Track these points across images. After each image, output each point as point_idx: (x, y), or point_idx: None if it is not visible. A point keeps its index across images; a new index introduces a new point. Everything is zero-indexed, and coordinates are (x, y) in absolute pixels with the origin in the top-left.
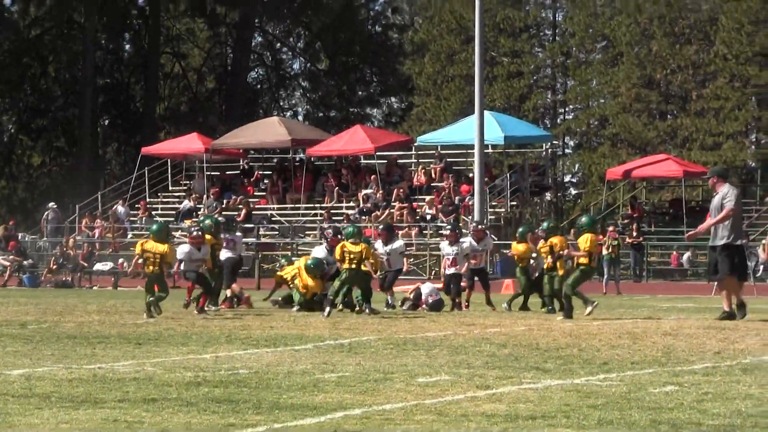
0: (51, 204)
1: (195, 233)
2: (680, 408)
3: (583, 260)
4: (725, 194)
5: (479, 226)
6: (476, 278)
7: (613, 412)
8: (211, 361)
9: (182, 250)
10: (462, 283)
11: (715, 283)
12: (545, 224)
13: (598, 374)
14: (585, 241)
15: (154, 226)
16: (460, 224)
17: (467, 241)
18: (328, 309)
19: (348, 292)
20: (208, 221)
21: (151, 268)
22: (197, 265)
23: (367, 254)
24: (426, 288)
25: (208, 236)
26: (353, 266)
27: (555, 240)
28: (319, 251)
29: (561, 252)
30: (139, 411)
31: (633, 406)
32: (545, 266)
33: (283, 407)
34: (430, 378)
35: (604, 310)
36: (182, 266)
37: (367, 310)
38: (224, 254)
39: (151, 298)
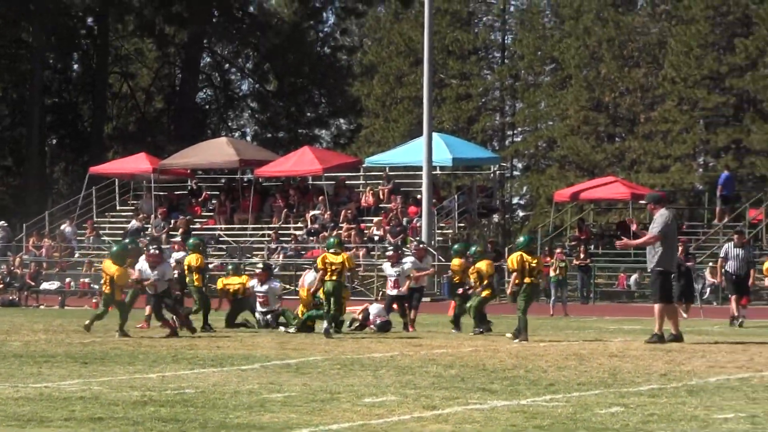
0: (1, 222)
1: (152, 251)
2: (626, 429)
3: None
4: (654, 220)
5: (420, 245)
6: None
7: None
8: (158, 381)
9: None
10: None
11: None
12: (473, 249)
13: (545, 395)
14: (512, 261)
15: (114, 248)
16: (407, 245)
17: (408, 261)
18: (326, 325)
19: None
20: (192, 240)
21: (106, 288)
22: (151, 284)
23: (349, 264)
24: (374, 308)
25: (196, 255)
26: (335, 278)
27: (481, 265)
28: (310, 276)
29: (469, 287)
30: (85, 430)
31: (579, 427)
32: (472, 290)
33: (230, 427)
34: (376, 398)
35: (551, 331)
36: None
37: (331, 332)
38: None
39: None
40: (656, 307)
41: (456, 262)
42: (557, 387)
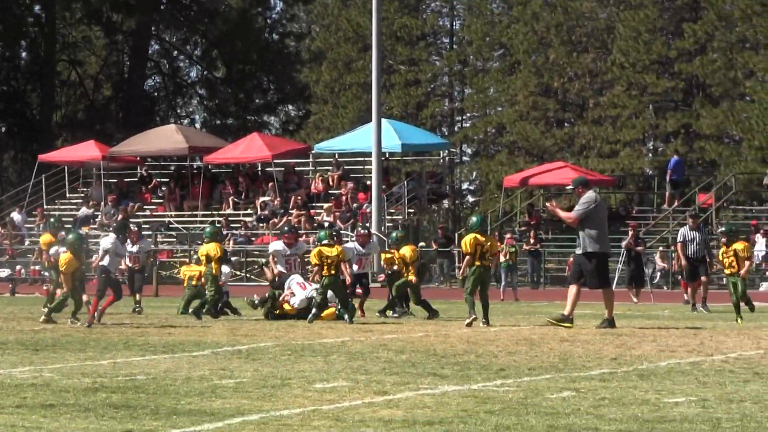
0: None
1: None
2: (577, 413)
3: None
4: (579, 202)
5: (362, 230)
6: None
7: (510, 417)
8: (109, 367)
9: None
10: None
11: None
12: (394, 235)
13: (495, 380)
14: (465, 243)
15: (70, 236)
16: (343, 230)
17: (351, 246)
18: (314, 312)
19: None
20: (208, 229)
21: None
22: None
23: (342, 256)
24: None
25: (215, 244)
26: (333, 272)
27: (405, 251)
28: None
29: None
30: (36, 417)
31: (530, 412)
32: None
33: (181, 413)
34: (327, 384)
35: (501, 316)
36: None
37: (347, 320)
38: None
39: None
40: (573, 288)
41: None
42: (508, 372)
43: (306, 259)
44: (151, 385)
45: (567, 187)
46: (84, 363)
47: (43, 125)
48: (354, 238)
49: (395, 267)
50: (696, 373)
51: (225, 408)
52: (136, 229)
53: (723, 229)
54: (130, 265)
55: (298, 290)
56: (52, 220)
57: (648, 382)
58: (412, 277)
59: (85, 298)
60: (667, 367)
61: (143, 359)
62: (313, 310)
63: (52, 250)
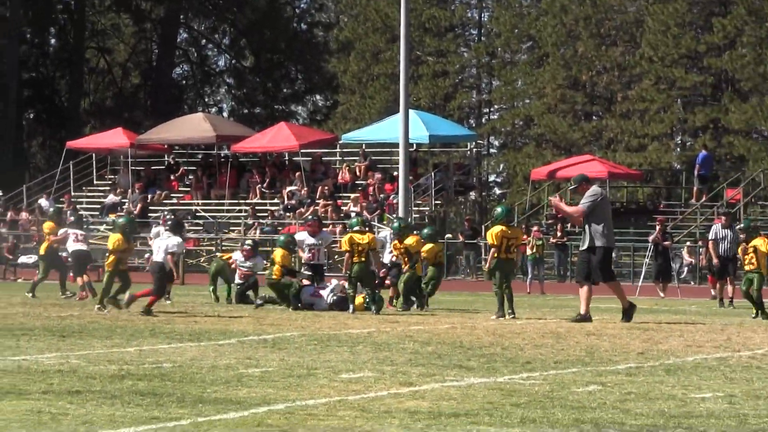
0: None
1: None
2: (603, 407)
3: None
4: (584, 196)
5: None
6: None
7: (536, 410)
8: (135, 355)
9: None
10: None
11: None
12: (396, 225)
13: (522, 373)
14: (491, 235)
15: (121, 219)
16: (383, 221)
17: (301, 235)
18: (352, 306)
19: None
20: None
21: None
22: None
23: (373, 244)
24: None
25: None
26: (363, 259)
27: (410, 241)
28: (303, 235)
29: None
30: (63, 403)
31: (556, 405)
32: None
33: (207, 401)
34: (353, 374)
35: (528, 309)
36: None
37: (373, 311)
38: (73, 246)
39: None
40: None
41: (428, 246)
42: (534, 365)
43: (333, 248)
44: (177, 373)
45: (570, 187)
46: (110, 350)
47: (72, 112)
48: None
49: (394, 259)
50: (723, 368)
51: (251, 397)
52: (172, 217)
53: (742, 225)
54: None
55: (317, 300)
56: (51, 209)
57: (675, 377)
58: (414, 270)
59: (80, 281)
60: (694, 363)
61: (169, 347)
62: (351, 307)
63: (61, 231)
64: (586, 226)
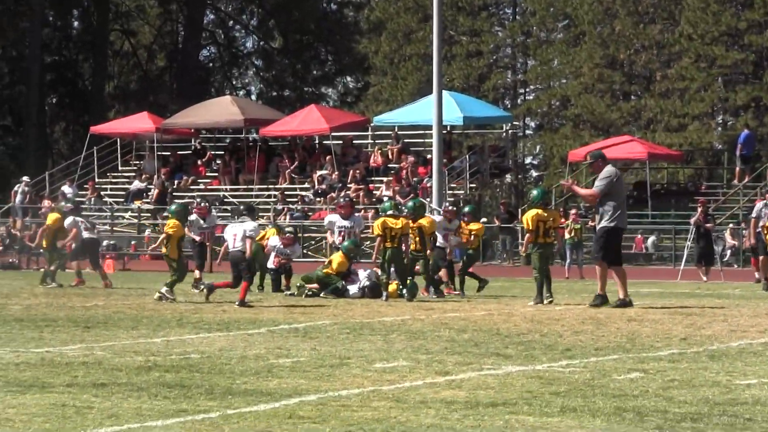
0: (24, 178)
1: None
2: (645, 395)
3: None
4: (600, 177)
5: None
6: None
7: (577, 399)
8: (162, 345)
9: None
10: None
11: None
12: (410, 204)
13: (561, 360)
14: (527, 220)
15: (172, 207)
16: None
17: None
18: (385, 294)
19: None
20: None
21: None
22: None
23: (406, 230)
24: (363, 272)
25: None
26: (396, 245)
27: (423, 221)
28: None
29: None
30: (88, 396)
31: (597, 393)
32: (411, 248)
33: (237, 393)
34: (387, 363)
35: (567, 294)
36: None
37: (406, 296)
38: (84, 234)
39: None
40: (604, 267)
41: (475, 226)
42: (574, 352)
43: (366, 233)
44: (205, 364)
45: (585, 162)
46: (136, 341)
47: (95, 96)
48: (441, 212)
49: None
50: None
51: (282, 388)
52: (205, 204)
53: None
54: (199, 239)
55: (349, 287)
56: (52, 204)
57: (719, 363)
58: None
59: (74, 266)
60: (739, 348)
61: (197, 337)
62: (384, 294)
63: (67, 223)
64: (599, 207)
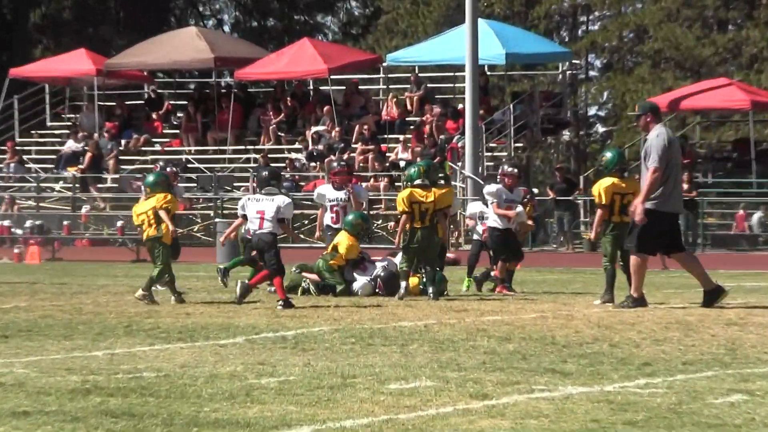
0: None
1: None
2: (751, 425)
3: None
4: (649, 142)
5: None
6: None
7: (659, 430)
8: (105, 361)
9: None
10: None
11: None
12: (413, 171)
13: (638, 379)
14: (599, 192)
15: (150, 177)
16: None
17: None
18: (404, 285)
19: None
20: None
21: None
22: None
23: (440, 205)
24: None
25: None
26: (427, 224)
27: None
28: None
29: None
30: (6, 429)
31: (686, 423)
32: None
33: (204, 424)
34: (405, 384)
35: (645, 290)
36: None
37: (431, 296)
38: None
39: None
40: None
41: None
42: (655, 367)
43: (376, 209)
44: (162, 385)
45: (631, 113)
46: (71, 355)
47: (17, 29)
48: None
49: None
50: None
51: (265, 417)
52: (173, 170)
53: None
54: None
55: (357, 279)
56: None
57: None
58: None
59: None
60: None
61: (151, 349)
62: (402, 285)
63: None
64: (643, 183)
